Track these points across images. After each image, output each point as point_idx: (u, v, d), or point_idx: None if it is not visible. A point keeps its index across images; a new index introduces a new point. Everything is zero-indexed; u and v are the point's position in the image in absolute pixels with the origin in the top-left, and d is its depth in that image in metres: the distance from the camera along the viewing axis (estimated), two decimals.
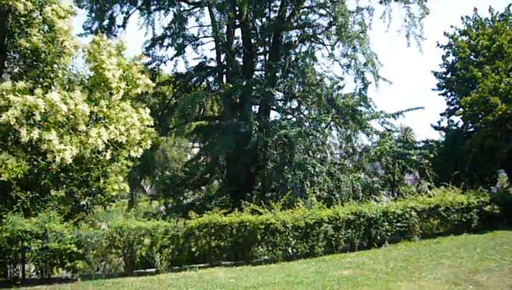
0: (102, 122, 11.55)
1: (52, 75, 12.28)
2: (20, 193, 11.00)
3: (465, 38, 27.37)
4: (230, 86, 18.83)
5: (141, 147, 12.65)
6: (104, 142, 10.94)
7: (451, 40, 27.82)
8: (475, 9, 28.36)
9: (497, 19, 27.18)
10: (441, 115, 27.81)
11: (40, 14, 12.42)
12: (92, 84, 12.13)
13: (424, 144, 27.34)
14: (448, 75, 27.65)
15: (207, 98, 20.41)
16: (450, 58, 27.98)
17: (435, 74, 28.41)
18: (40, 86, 11.28)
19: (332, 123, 20.60)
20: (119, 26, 21.74)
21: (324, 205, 14.10)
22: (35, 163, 11.10)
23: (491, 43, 24.31)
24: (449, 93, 27.71)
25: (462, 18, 28.39)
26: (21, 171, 10.23)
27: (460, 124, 26.12)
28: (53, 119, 10.48)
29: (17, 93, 10.19)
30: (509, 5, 27.22)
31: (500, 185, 26.83)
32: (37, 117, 10.14)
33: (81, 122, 10.70)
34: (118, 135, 11.28)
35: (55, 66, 12.50)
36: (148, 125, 12.69)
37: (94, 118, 11.65)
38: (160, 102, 22.92)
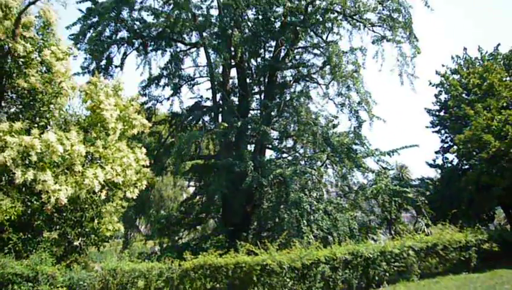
0: (98, 163, 11.53)
1: (48, 115, 12.36)
2: (12, 235, 10.83)
3: (456, 77, 27.96)
4: (226, 125, 18.95)
5: (137, 187, 12.59)
6: (100, 182, 10.90)
7: (443, 78, 28.40)
8: (465, 48, 28.99)
9: (487, 58, 27.87)
10: (436, 152, 28.03)
11: (39, 56, 12.62)
12: (89, 125, 12.19)
13: (419, 181, 27.38)
14: (442, 113, 28.06)
15: (203, 137, 20.47)
16: (443, 97, 28.47)
17: (428, 111, 28.82)
18: (36, 126, 11.32)
19: (327, 161, 20.62)
20: (116, 67, 21.99)
21: (321, 245, 13.92)
22: (29, 204, 10.99)
23: (481, 81, 24.81)
24: (443, 131, 28.02)
25: (452, 57, 29.11)
26: (15, 213, 10.12)
27: (455, 161, 26.29)
28: (49, 159, 10.46)
29: (13, 134, 10.20)
30: (498, 45, 27.95)
31: (498, 222, 26.72)
32: (33, 158, 10.11)
33: (77, 163, 10.68)
34: (114, 176, 11.25)
35: (52, 106, 12.60)
36: (143, 166, 12.67)
37: (90, 158, 11.64)
38: (156, 141, 22.96)
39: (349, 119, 20.40)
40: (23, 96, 12.38)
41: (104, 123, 11.81)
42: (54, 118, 12.52)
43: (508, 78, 25.33)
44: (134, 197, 12.88)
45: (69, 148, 10.56)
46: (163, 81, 21.82)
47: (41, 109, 12.29)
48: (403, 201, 21.36)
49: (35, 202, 11.04)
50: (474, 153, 22.00)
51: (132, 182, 12.30)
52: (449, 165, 26.68)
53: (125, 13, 21.18)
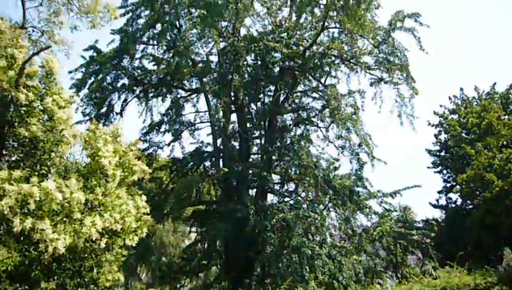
0: (97, 210, 11.40)
1: (49, 163, 12.34)
2: (9, 286, 10.55)
3: (454, 116, 28.21)
4: (226, 170, 18.92)
5: (137, 235, 12.37)
6: (98, 230, 10.72)
7: (441, 118, 28.63)
8: (461, 89, 29.44)
9: (484, 97, 28.20)
10: (439, 192, 27.85)
11: (41, 104, 12.74)
12: (88, 172, 12.14)
13: (424, 223, 27.04)
14: (442, 153, 28.09)
15: (203, 183, 20.41)
16: (443, 136, 28.62)
17: (429, 152, 28.86)
18: (36, 174, 11.28)
19: (330, 205, 20.44)
20: (117, 114, 22.23)
21: None
22: (27, 253, 10.77)
23: (480, 120, 24.99)
24: (445, 171, 27.95)
25: (450, 98, 29.49)
26: (11, 263, 9.90)
27: (459, 201, 26.07)
28: (47, 207, 10.34)
29: (12, 182, 10.15)
30: (494, 84, 28.38)
31: (507, 263, 26.13)
32: (31, 206, 10.00)
33: (75, 211, 10.56)
34: (112, 223, 11.08)
35: (53, 154, 12.60)
36: (144, 213, 12.52)
37: (89, 205, 11.51)
38: (157, 187, 22.85)
39: (350, 162, 20.38)
40: (24, 145, 12.41)
41: (103, 170, 11.77)
42: (55, 165, 12.49)
43: (506, 117, 25.53)
44: (134, 245, 12.64)
45: (68, 196, 10.46)
46: (164, 127, 22.01)
47: (42, 157, 12.30)
48: (408, 243, 20.99)
49: (32, 252, 10.82)
50: (478, 192, 21.83)
51: (132, 229, 12.11)
52: (453, 205, 26.45)
53: (126, 61, 21.63)
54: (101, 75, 21.22)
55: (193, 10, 20.86)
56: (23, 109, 12.30)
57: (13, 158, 12.76)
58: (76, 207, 10.61)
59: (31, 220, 9.91)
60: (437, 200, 27.76)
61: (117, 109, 22.33)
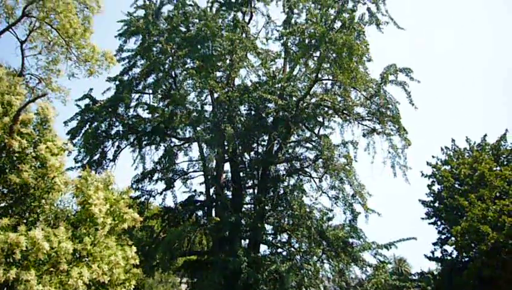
0: (85, 261, 11.12)
1: (38, 211, 12.15)
2: None
3: (447, 167, 28.36)
4: (219, 220, 18.69)
5: (125, 287, 12.02)
6: (85, 282, 10.41)
7: (434, 169, 28.78)
8: (453, 140, 29.78)
9: (475, 148, 28.52)
10: (434, 244, 27.51)
11: (34, 151, 12.70)
12: (78, 220, 11.94)
13: (419, 275, 26.56)
14: (436, 204, 28.01)
15: (195, 233, 20.09)
16: (436, 187, 28.63)
17: (423, 202, 28.78)
18: (25, 221, 11.08)
19: (323, 256, 20.07)
20: (110, 160, 22.16)
21: None
22: None
23: (472, 171, 25.15)
24: (439, 222, 27.77)
25: (442, 149, 29.79)
26: None
27: (454, 253, 25.73)
28: (33, 257, 10.08)
29: None
30: (485, 135, 28.78)
31: None
32: (17, 255, 9.75)
33: (63, 261, 10.29)
34: (100, 275, 10.78)
35: (43, 201, 12.44)
36: (133, 264, 12.21)
37: (77, 255, 11.23)
38: (148, 236, 22.42)
39: (344, 213, 20.19)
40: (14, 191, 12.25)
41: (93, 218, 11.58)
42: (44, 213, 12.30)
43: (497, 168, 25.71)
44: None
45: (56, 246, 10.23)
46: (156, 175, 21.89)
47: (32, 204, 12.13)
48: None
49: None
50: (473, 244, 21.60)
51: (120, 282, 11.77)
52: (448, 257, 26.08)
53: (121, 109, 21.82)
54: (95, 123, 21.34)
55: (188, 60, 21.35)
56: (16, 155, 12.26)
57: (2, 205, 12.56)
58: (64, 257, 10.36)
59: (16, 271, 9.63)
60: (432, 252, 27.40)
61: (110, 156, 22.31)
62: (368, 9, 20.97)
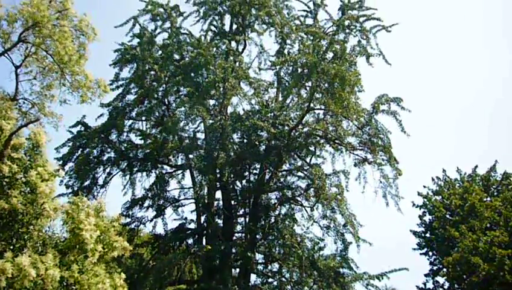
0: (72, 288, 10.93)
1: (26, 237, 11.99)
2: None
3: (438, 197, 28.49)
4: (210, 248, 18.50)
5: None
6: None
7: (425, 199, 28.87)
8: (444, 170, 30.03)
9: (466, 179, 28.74)
10: (426, 275, 27.36)
11: (24, 177, 12.63)
12: (66, 247, 11.78)
13: None
14: (428, 235, 27.99)
15: (185, 261, 19.84)
16: (427, 218, 28.66)
17: (414, 233, 28.76)
18: (11, 247, 10.92)
19: (315, 287, 19.83)
20: (100, 187, 22.01)
21: None
22: None
23: (463, 202, 25.28)
24: (431, 253, 27.69)
25: (433, 179, 29.98)
26: None
27: (446, 285, 25.56)
28: (19, 284, 9.88)
29: None
30: (476, 167, 29.06)
31: None
32: (2, 283, 9.56)
33: (49, 289, 10.10)
34: None
35: (31, 227, 12.30)
36: None
37: (65, 283, 11.04)
38: (137, 264, 22.07)
39: (335, 242, 20.06)
40: (2, 217, 12.10)
41: (82, 245, 11.43)
42: (32, 240, 12.13)
43: (488, 199, 25.87)
44: None
45: (42, 273, 10.06)
46: (147, 202, 21.70)
47: (19, 230, 11.98)
48: None
49: None
50: (465, 276, 21.51)
51: None
52: (440, 289, 25.90)
53: (113, 135, 21.83)
54: (87, 149, 21.30)
55: (182, 88, 21.53)
56: (6, 180, 12.18)
57: None
58: (51, 285, 10.18)
59: None
60: (424, 284, 27.22)
61: (101, 182, 22.17)
62: (359, 41, 21.48)
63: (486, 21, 64.29)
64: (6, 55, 14.53)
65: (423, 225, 28.66)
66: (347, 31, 21.84)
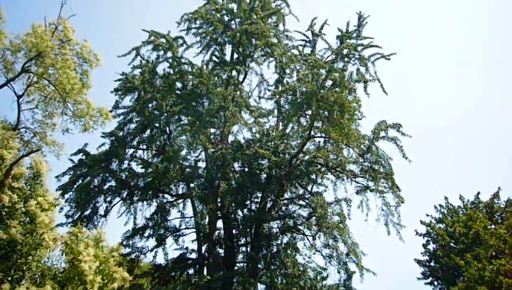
0: None
1: (24, 268, 11.86)
2: None
3: (442, 225, 28.18)
4: (209, 278, 18.23)
5: None
6: None
7: (428, 228, 28.57)
8: (446, 197, 29.79)
9: (469, 206, 28.50)
10: None
11: (24, 207, 12.59)
12: (66, 278, 11.61)
13: None
14: (432, 263, 27.56)
15: None
16: (431, 246, 28.29)
17: (419, 262, 28.33)
18: (9, 278, 10.76)
19: None
20: (101, 216, 21.87)
21: None
22: None
23: (467, 230, 24.97)
24: (436, 282, 27.21)
25: (435, 207, 29.73)
26: None
27: None
28: None
29: None
30: (478, 193, 28.85)
31: None
32: None
33: None
34: None
35: (30, 257, 12.18)
36: None
37: None
38: None
39: (338, 272, 19.78)
40: (0, 248, 12.00)
41: (82, 276, 11.28)
42: (31, 271, 11.99)
43: (492, 226, 25.59)
44: None
45: None
46: (148, 232, 21.50)
47: (18, 260, 11.86)
48: None
49: None
50: None
51: None
52: None
53: (114, 164, 21.81)
54: (88, 178, 21.26)
55: (183, 117, 21.64)
56: (5, 210, 12.13)
57: None
58: None
59: None
60: None
61: (101, 211, 22.02)
62: (358, 69, 21.72)
63: (485, 48, 65.12)
64: (9, 85, 14.70)
65: (427, 254, 28.27)
66: (346, 59, 22.09)
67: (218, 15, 23.85)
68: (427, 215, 29.63)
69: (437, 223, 28.81)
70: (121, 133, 21.90)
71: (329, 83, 19.56)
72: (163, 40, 23.14)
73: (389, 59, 22.19)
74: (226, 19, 23.93)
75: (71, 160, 21.68)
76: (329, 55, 23.23)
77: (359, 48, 22.43)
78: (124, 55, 22.88)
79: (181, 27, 23.23)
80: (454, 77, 65.90)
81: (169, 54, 23.23)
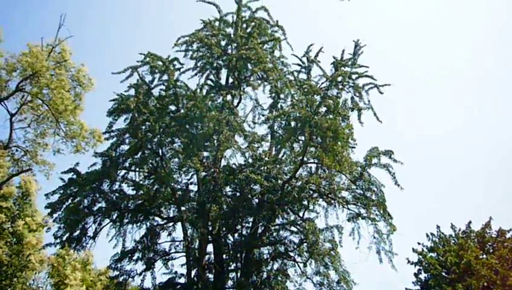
0: None
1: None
2: None
3: (433, 254, 28.08)
4: None
5: None
6: None
7: (420, 256, 28.43)
8: (438, 226, 29.79)
9: (461, 235, 28.50)
10: None
11: (12, 227, 12.43)
12: None
13: None
14: None
15: None
16: (423, 276, 28.11)
17: None
18: None
19: None
20: (90, 238, 21.56)
21: None
22: None
23: (459, 259, 24.89)
24: None
25: (427, 235, 29.67)
26: None
27: None
28: None
29: None
30: (469, 222, 28.91)
31: None
32: None
33: None
34: None
35: (15, 279, 11.96)
36: None
37: None
38: None
39: None
40: None
41: None
42: None
43: (483, 256, 25.52)
44: None
45: None
46: (137, 255, 21.18)
47: (3, 282, 11.64)
48: None
49: None
50: None
51: None
52: None
53: (105, 185, 21.62)
54: (78, 198, 21.04)
55: (176, 140, 21.60)
56: None
57: None
58: None
59: None
60: None
61: (90, 233, 21.71)
62: (352, 98, 21.92)
63: (480, 79, 66.07)
64: (2, 103, 14.67)
65: (419, 283, 28.05)
66: (340, 86, 22.32)
67: (216, 39, 24.07)
68: (419, 243, 29.53)
69: (429, 252, 28.70)
70: (114, 154, 21.79)
71: (323, 109, 19.70)
72: (160, 63, 23.24)
73: (382, 93, 22.44)
74: (223, 43, 24.15)
75: (62, 179, 21.49)
76: (324, 82, 23.48)
77: (353, 76, 22.70)
78: (119, 72, 22.80)
79: (177, 48, 23.39)
80: (447, 104, 66.60)
81: (165, 77, 23.30)
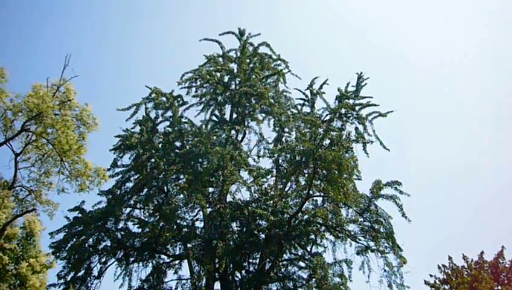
0: None
1: None
2: None
3: (446, 287, 27.45)
4: None
5: None
6: None
7: (433, 289, 27.80)
8: (450, 257, 29.22)
9: (473, 266, 27.93)
10: None
11: (15, 268, 12.30)
12: None
13: None
14: None
15: None
16: None
17: None
18: None
19: None
20: (95, 277, 21.27)
21: None
22: None
23: None
24: None
25: (439, 267, 29.09)
26: None
27: None
28: None
29: None
30: (482, 252, 28.37)
31: None
32: None
33: None
34: None
35: None
36: None
37: None
38: None
39: None
40: None
41: None
42: None
43: (498, 287, 24.90)
44: None
45: None
46: None
47: None
48: None
49: None
50: None
51: None
52: None
53: (110, 223, 21.49)
54: (83, 237, 20.86)
55: (181, 176, 21.55)
56: None
57: None
58: None
59: None
60: None
61: (95, 272, 21.43)
62: (356, 128, 21.90)
63: (486, 101, 66.01)
64: (7, 143, 14.79)
65: None
66: (344, 118, 22.34)
67: (219, 74, 24.39)
68: (431, 275, 28.92)
69: (441, 284, 28.04)
70: (118, 192, 21.74)
71: (327, 141, 19.68)
72: (164, 99, 23.50)
73: (385, 116, 22.35)
74: (226, 78, 24.45)
75: (67, 217, 21.37)
76: (328, 115, 23.53)
77: (357, 108, 22.75)
78: (123, 109, 23.00)
79: (181, 85, 23.68)
80: (455, 130, 66.07)
81: (169, 113, 23.50)
